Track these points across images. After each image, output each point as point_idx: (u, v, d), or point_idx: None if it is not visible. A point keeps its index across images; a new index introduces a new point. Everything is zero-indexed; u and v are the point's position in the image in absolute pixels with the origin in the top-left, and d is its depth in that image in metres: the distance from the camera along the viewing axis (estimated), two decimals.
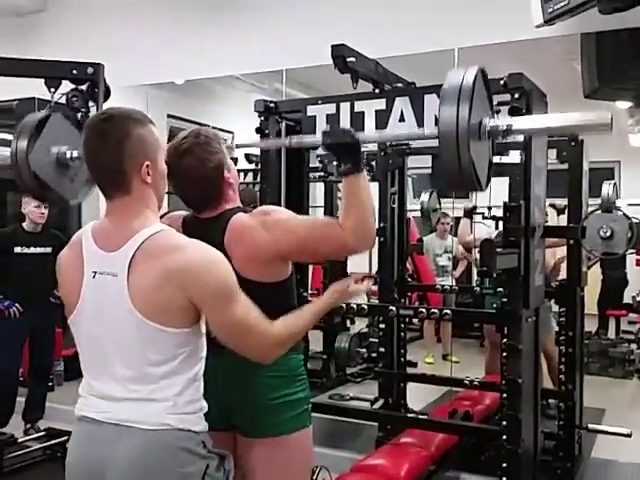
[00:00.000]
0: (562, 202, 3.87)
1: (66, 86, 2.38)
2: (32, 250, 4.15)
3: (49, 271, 4.50)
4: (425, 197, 4.69)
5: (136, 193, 1.45)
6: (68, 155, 2.11)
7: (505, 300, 2.49)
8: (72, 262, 1.49)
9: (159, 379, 1.41)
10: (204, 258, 1.41)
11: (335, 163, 1.72)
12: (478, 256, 4.71)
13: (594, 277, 5.55)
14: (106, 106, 2.41)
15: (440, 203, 5.14)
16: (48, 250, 4.17)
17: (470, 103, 1.45)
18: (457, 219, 5.32)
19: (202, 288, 1.39)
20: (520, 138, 2.37)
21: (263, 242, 1.69)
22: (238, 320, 1.43)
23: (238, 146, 1.95)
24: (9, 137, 5.55)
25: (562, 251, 3.52)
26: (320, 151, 4.17)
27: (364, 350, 5.11)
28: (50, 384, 4.51)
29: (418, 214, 5.75)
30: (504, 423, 2.50)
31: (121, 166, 1.43)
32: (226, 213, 1.77)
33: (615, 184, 4.48)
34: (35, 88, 2.48)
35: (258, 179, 3.48)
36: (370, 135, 1.76)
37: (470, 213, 4.54)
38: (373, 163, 4.43)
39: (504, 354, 2.52)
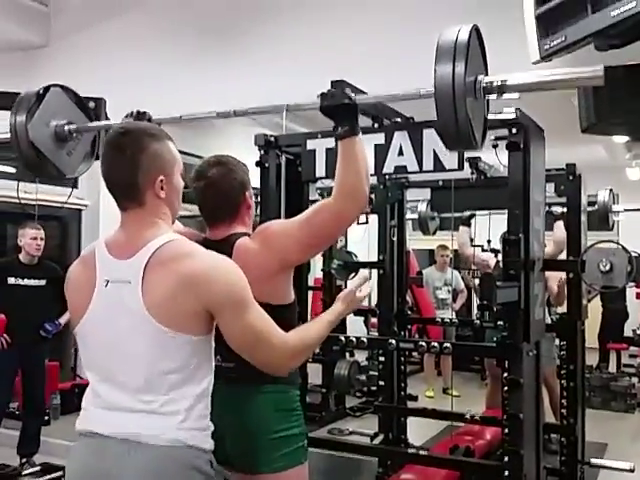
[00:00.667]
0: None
1: None
2: (26, 282, 4.15)
3: (41, 303, 4.48)
4: (422, 206, 4.66)
5: (149, 206, 1.47)
6: (66, 129, 2.12)
7: (505, 334, 2.48)
8: (83, 274, 1.50)
9: (169, 389, 1.39)
10: (217, 265, 1.43)
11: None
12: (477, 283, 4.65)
13: (594, 310, 5.54)
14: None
15: (438, 212, 5.10)
16: (42, 283, 4.17)
17: (466, 60, 1.45)
18: (456, 251, 5.32)
19: (216, 294, 1.40)
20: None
21: (268, 259, 1.71)
22: (252, 327, 1.42)
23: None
24: (11, 170, 5.59)
25: (563, 274, 3.51)
26: (320, 184, 4.20)
27: (364, 377, 5.06)
28: (46, 418, 4.46)
29: (417, 247, 5.75)
30: (506, 459, 2.47)
31: (135, 179, 1.45)
32: (232, 237, 1.80)
33: (612, 190, 4.49)
34: None
35: (258, 212, 3.49)
36: (366, 97, 1.77)
37: (468, 221, 4.51)
38: (372, 196, 4.47)
39: (505, 388, 2.50)
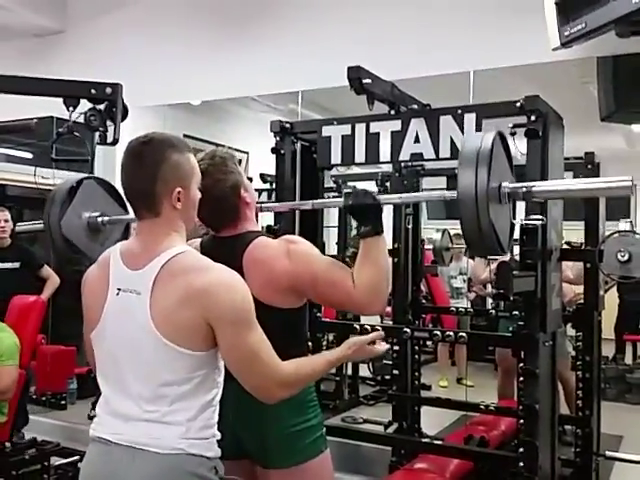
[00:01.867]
0: (578, 240, 3.83)
1: (84, 106, 2.40)
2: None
3: (17, 286, 4.46)
4: (437, 236, 4.63)
5: (165, 216, 1.47)
6: (100, 220, 2.16)
7: (521, 323, 2.46)
8: (98, 279, 1.51)
9: (173, 401, 1.40)
10: (225, 281, 1.41)
11: (355, 225, 1.74)
12: (491, 289, 4.61)
13: (611, 302, 5.48)
14: (124, 126, 2.44)
15: (452, 242, 5.08)
16: (16, 265, 4.19)
17: (489, 167, 1.46)
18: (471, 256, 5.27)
19: (219, 310, 1.39)
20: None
21: (283, 270, 1.69)
22: (249, 348, 1.40)
23: (262, 209, 2.01)
24: (28, 155, 5.63)
25: (580, 289, 3.49)
26: (335, 171, 4.19)
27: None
28: (62, 402, 4.51)
29: (432, 236, 5.72)
30: (521, 449, 2.45)
31: (153, 189, 1.45)
32: (248, 234, 1.78)
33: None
34: (54, 107, 2.51)
35: (273, 199, 3.48)
36: (391, 197, 1.80)
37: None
38: (388, 184, 4.44)
39: (521, 379, 2.48)
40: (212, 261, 1.44)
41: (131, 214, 2.22)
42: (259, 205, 2.00)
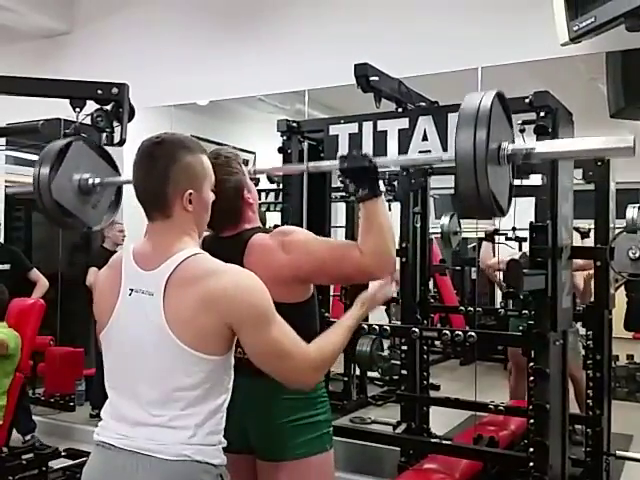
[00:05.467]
0: (585, 225, 3.81)
1: (91, 106, 2.40)
2: None
3: (7, 287, 4.37)
4: (445, 220, 4.60)
5: (176, 218, 1.46)
6: (90, 182, 2.11)
7: (532, 322, 2.44)
8: (110, 279, 1.50)
9: (183, 406, 1.38)
10: (241, 283, 1.41)
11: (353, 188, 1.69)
12: (501, 276, 4.61)
13: (620, 300, 5.44)
14: (130, 126, 2.44)
15: (461, 226, 5.05)
16: (6, 267, 4.21)
17: (488, 127, 1.40)
18: (480, 239, 5.26)
19: (240, 313, 1.38)
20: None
21: (281, 263, 1.68)
22: (274, 343, 1.40)
23: (257, 172, 1.95)
24: (34, 157, 5.64)
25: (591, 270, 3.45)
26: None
27: (386, 354, 5.04)
28: (71, 404, 4.50)
29: (440, 220, 5.69)
30: (531, 449, 2.43)
31: (164, 190, 1.44)
32: (245, 233, 1.77)
33: None
34: (61, 109, 2.51)
35: (280, 199, 3.48)
36: (387, 159, 1.71)
37: (492, 236, 4.46)
38: (395, 183, 4.42)
39: (531, 378, 2.46)
40: (224, 263, 1.44)
41: (123, 176, 2.21)
42: (253, 169, 1.97)
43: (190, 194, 1.45)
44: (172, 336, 1.37)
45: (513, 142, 1.51)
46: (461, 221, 5.00)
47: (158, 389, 1.40)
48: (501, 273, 4.71)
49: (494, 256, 4.50)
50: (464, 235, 5.53)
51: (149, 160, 1.46)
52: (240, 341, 1.42)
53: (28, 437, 4.04)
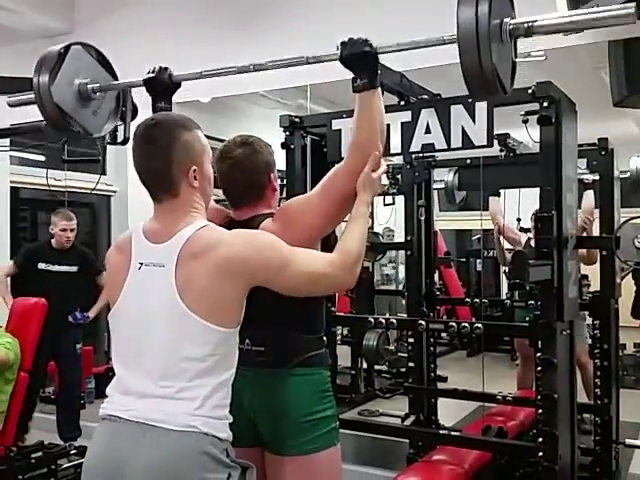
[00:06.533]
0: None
1: None
2: (57, 268, 4.15)
3: (73, 289, 4.44)
4: (449, 176, 4.55)
5: (183, 196, 1.49)
6: (90, 87, 2.09)
7: (538, 313, 2.44)
8: (120, 256, 1.52)
9: (191, 377, 1.39)
10: (248, 242, 1.45)
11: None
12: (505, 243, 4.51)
13: (628, 288, 5.43)
14: (133, 125, 2.44)
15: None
16: (74, 269, 4.17)
17: (489, 1, 1.37)
18: (485, 231, 5.25)
19: (256, 270, 1.43)
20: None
21: (293, 240, 1.62)
22: (301, 274, 1.48)
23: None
24: (40, 158, 5.66)
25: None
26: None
27: (392, 347, 5.06)
28: (82, 402, 4.53)
29: (445, 227, 5.69)
30: (540, 439, 2.44)
31: (169, 171, 1.47)
32: (257, 218, 1.78)
33: None
34: None
35: (284, 194, 3.48)
36: (389, 45, 1.67)
37: (496, 191, 4.40)
38: (399, 176, 4.42)
39: (538, 369, 2.46)
40: (228, 230, 1.48)
41: (122, 80, 2.19)
42: None
43: (194, 170, 1.49)
44: (182, 306, 1.38)
45: (514, 17, 1.48)
46: (466, 216, 4.98)
47: (166, 359, 1.41)
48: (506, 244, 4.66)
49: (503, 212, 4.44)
50: (469, 227, 5.52)
51: (149, 143, 1.48)
52: (273, 288, 1.48)
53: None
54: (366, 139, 1.64)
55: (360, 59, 1.61)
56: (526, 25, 1.46)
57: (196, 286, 1.39)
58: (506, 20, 1.44)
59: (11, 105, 2.40)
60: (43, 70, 2.00)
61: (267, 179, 1.83)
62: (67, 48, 2.06)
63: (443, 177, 4.42)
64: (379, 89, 1.65)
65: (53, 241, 4.17)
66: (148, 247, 1.46)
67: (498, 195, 4.42)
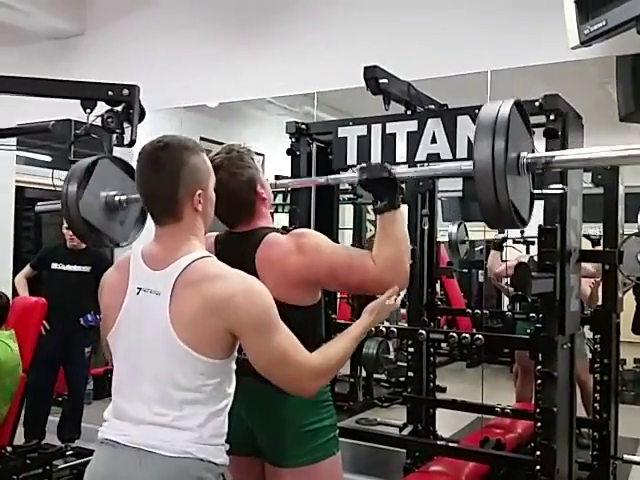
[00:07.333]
0: (596, 232, 3.80)
1: (102, 107, 2.41)
2: (69, 267, 4.16)
3: (84, 291, 4.44)
4: (453, 228, 4.60)
5: (186, 220, 1.48)
6: (117, 199, 2.15)
7: (540, 326, 2.44)
8: (118, 279, 1.52)
9: (183, 405, 1.40)
10: (246, 289, 1.41)
11: (371, 200, 1.70)
12: (508, 280, 4.60)
13: (629, 303, 5.42)
14: (141, 128, 2.45)
15: (468, 234, 5.04)
16: (86, 269, 4.17)
17: (506, 137, 1.38)
18: (488, 242, 5.25)
19: (243, 319, 1.39)
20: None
21: (296, 265, 1.68)
22: (277, 350, 1.41)
23: (277, 185, 1.97)
24: (47, 158, 5.68)
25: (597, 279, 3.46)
26: (351, 172, 4.16)
27: (392, 356, 5.05)
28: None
29: (448, 228, 5.69)
30: (538, 453, 2.43)
31: (175, 194, 1.46)
32: (260, 230, 1.77)
33: None
34: (72, 109, 2.52)
35: (288, 200, 3.49)
36: (407, 171, 1.72)
37: (500, 245, 4.47)
38: (403, 185, 4.42)
39: (538, 382, 2.46)
40: (230, 268, 1.44)
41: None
42: (274, 182, 1.98)
43: (200, 194, 1.48)
44: (174, 336, 1.38)
45: (533, 151, 1.50)
46: (468, 227, 5.00)
47: (159, 387, 1.41)
48: (508, 279, 4.72)
49: (501, 264, 4.50)
50: (472, 238, 5.54)
51: (156, 166, 1.47)
52: (243, 346, 1.43)
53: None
54: (392, 256, 1.66)
55: (379, 183, 1.66)
56: (544, 160, 1.47)
57: (186, 316, 1.39)
58: (523, 154, 1.45)
59: (39, 213, 2.50)
60: (71, 183, 2.08)
61: (254, 195, 1.81)
62: (95, 162, 2.13)
63: (447, 187, 4.44)
64: (400, 208, 1.68)
65: (67, 240, 4.19)
66: (147, 273, 1.46)
67: (500, 249, 4.45)
